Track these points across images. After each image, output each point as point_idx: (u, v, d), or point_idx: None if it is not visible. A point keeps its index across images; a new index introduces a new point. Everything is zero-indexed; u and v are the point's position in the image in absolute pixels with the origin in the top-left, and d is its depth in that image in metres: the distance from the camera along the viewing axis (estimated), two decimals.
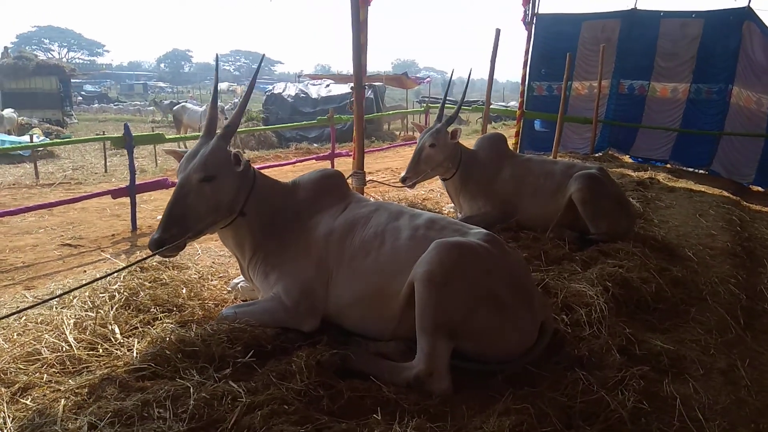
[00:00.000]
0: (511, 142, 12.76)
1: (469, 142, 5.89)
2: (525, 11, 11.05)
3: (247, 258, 2.99)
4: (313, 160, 10.77)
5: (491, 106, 10.53)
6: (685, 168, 10.98)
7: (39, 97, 27.93)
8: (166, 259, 3.42)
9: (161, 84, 64.30)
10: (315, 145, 19.92)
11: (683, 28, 10.85)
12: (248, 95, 3.08)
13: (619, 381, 2.59)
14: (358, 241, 2.84)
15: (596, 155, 11.15)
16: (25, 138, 16.03)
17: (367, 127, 22.63)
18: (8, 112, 22.70)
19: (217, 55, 3.46)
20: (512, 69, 10.71)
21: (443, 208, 5.51)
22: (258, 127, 20.21)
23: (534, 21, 11.36)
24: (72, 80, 37.64)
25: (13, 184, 11.16)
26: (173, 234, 2.57)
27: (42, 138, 17.15)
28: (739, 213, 6.85)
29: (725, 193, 8.33)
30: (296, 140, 21.16)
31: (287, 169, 11.29)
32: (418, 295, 2.44)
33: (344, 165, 6.99)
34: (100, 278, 2.70)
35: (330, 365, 2.48)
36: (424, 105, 19.87)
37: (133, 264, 2.67)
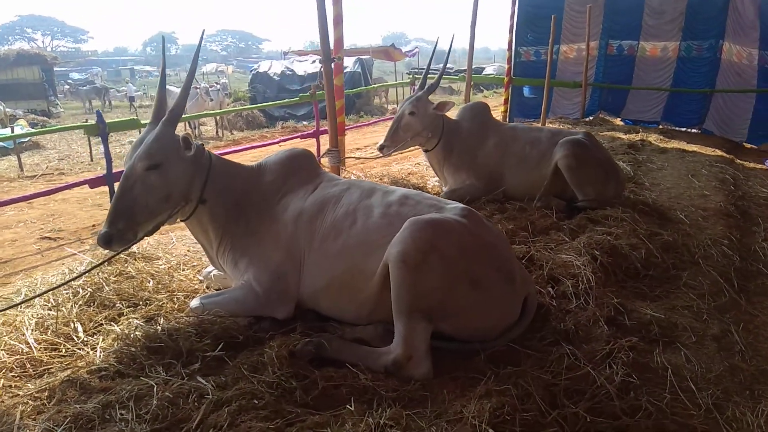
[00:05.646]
0: (500, 110, 12.62)
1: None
2: None
3: (215, 246, 2.84)
4: (298, 139, 10.56)
5: (482, 74, 10.27)
6: (677, 128, 10.81)
7: (22, 87, 27.19)
8: (134, 250, 3.28)
9: (148, 68, 63.07)
10: (303, 123, 19.63)
11: None
12: (191, 75, 2.82)
13: (607, 354, 2.50)
14: (329, 222, 2.70)
15: (587, 119, 10.98)
16: (6, 130, 15.67)
17: (356, 101, 22.49)
18: None
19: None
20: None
21: (428, 183, 5.36)
22: (245, 107, 19.89)
23: None
24: (55, 68, 36.69)
25: None
26: (120, 228, 2.42)
27: (26, 129, 16.81)
28: (733, 171, 6.73)
29: (718, 152, 8.20)
30: (284, 119, 20.86)
31: (274, 148, 11.09)
32: (392, 277, 2.32)
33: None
34: (59, 286, 2.55)
35: (304, 354, 2.36)
36: (411, 76, 19.52)
37: (94, 266, 2.52)
